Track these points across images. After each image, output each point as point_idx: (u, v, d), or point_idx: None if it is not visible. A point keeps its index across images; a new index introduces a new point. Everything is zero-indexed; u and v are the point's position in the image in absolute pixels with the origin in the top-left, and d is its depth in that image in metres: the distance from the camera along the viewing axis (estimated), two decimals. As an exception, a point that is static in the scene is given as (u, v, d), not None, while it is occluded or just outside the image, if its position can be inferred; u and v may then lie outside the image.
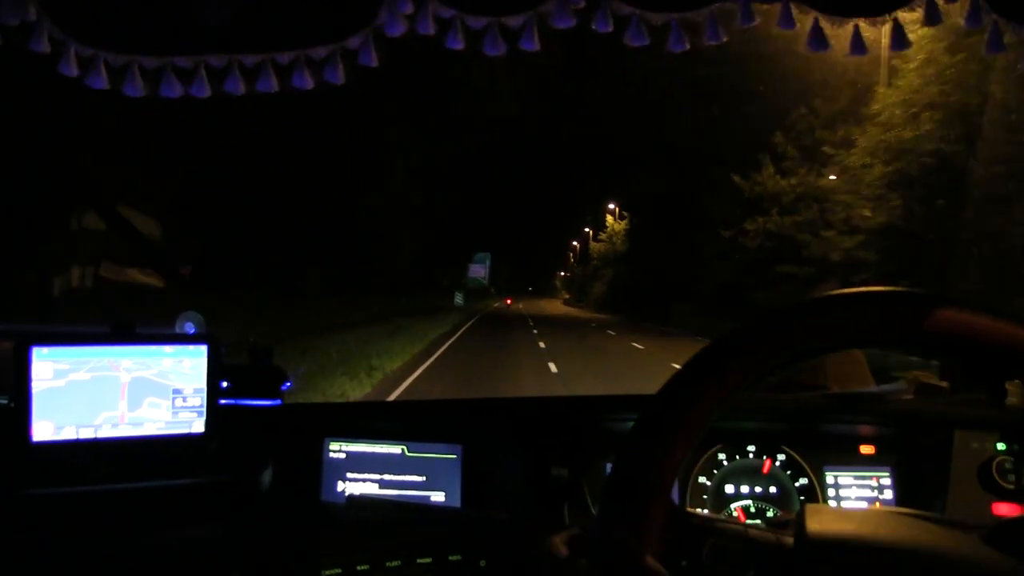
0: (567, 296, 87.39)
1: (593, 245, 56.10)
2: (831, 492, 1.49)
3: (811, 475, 1.49)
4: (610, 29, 1.36)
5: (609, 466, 1.42)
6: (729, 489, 1.48)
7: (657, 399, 0.70)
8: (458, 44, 1.48)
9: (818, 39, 1.39)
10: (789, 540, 0.71)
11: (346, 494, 1.44)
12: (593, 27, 1.42)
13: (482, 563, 1.11)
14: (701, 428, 0.69)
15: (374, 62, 1.52)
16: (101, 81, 1.50)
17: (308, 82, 1.53)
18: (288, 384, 1.51)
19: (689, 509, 1.46)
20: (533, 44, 1.47)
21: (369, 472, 1.46)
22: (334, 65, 1.53)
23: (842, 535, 0.69)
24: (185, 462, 1.27)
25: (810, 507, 0.75)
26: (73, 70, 1.51)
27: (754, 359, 0.69)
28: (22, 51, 1.47)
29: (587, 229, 70.87)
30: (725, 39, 1.42)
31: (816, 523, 0.71)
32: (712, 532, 0.74)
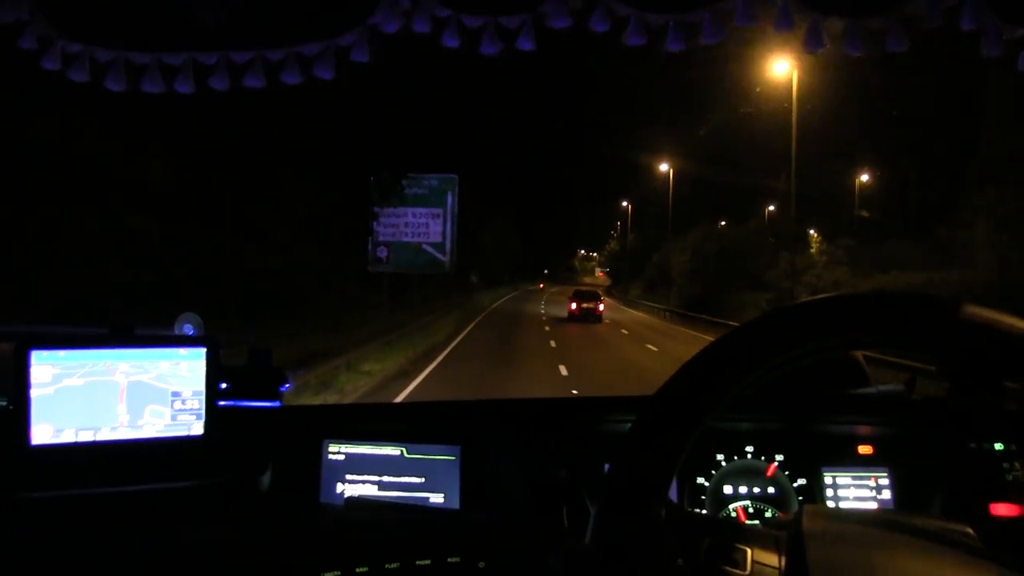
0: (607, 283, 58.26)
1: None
2: (829, 492, 1.49)
3: (809, 476, 1.49)
4: (607, 28, 1.36)
5: (608, 467, 1.42)
6: (727, 490, 1.49)
7: (655, 399, 0.70)
8: (454, 42, 1.47)
9: (816, 39, 1.39)
10: (787, 539, 0.71)
11: (345, 496, 1.44)
12: (590, 26, 1.42)
13: (481, 565, 1.11)
14: (699, 428, 0.69)
15: (367, 58, 1.51)
16: (83, 75, 1.50)
17: (298, 78, 1.53)
18: (287, 385, 1.51)
19: (687, 508, 1.47)
20: (530, 44, 1.46)
21: (368, 474, 1.46)
22: (326, 61, 1.52)
23: (840, 535, 0.69)
24: (184, 464, 1.27)
25: (808, 507, 0.76)
26: (56, 63, 1.50)
27: (757, 359, 0.69)
28: (10, 47, 1.47)
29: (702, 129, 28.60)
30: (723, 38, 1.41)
31: (814, 523, 0.71)
32: (710, 530, 0.74)
